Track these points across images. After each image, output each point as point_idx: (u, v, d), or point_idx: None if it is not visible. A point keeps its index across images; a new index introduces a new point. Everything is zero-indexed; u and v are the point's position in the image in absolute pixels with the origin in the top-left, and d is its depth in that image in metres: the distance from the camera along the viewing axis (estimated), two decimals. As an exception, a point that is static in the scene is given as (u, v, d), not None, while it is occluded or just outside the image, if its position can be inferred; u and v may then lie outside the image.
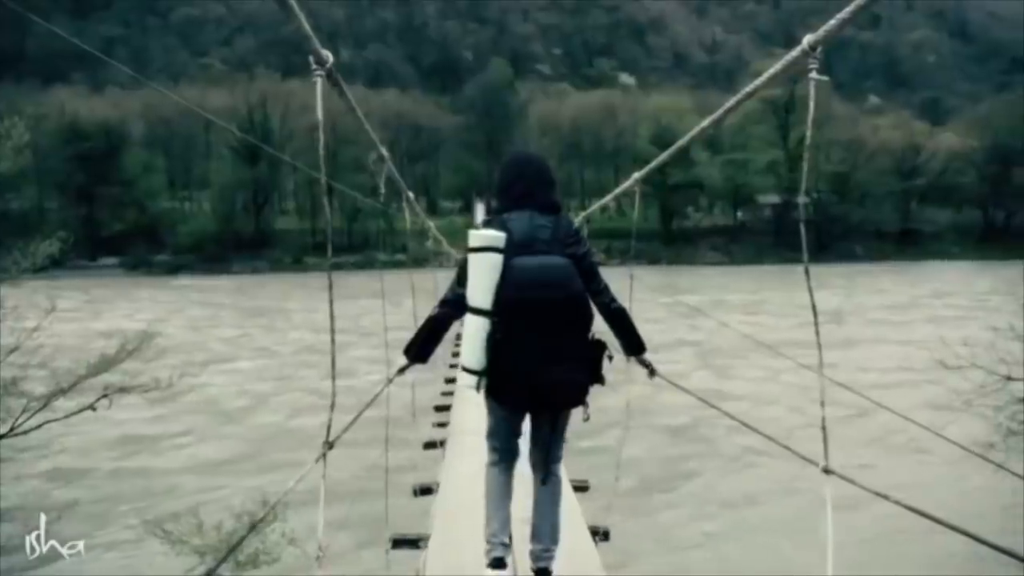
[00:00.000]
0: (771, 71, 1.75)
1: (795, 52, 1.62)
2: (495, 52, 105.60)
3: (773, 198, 67.15)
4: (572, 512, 3.66)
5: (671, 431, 14.64)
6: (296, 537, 8.63)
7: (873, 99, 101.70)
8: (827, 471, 1.54)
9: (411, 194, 4.34)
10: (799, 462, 1.78)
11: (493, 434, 2.82)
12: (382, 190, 3.40)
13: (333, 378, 1.72)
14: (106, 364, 10.28)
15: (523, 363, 2.50)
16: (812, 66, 1.57)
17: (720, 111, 2.24)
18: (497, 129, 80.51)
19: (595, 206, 6.04)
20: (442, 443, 5.17)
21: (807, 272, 1.80)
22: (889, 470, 12.18)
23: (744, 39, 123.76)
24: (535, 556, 2.76)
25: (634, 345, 2.84)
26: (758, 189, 67.49)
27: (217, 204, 63.81)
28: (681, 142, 2.92)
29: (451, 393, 6.88)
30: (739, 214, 69.64)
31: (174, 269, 57.19)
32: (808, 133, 1.77)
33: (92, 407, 10.31)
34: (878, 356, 21.62)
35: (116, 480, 12.98)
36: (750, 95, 1.97)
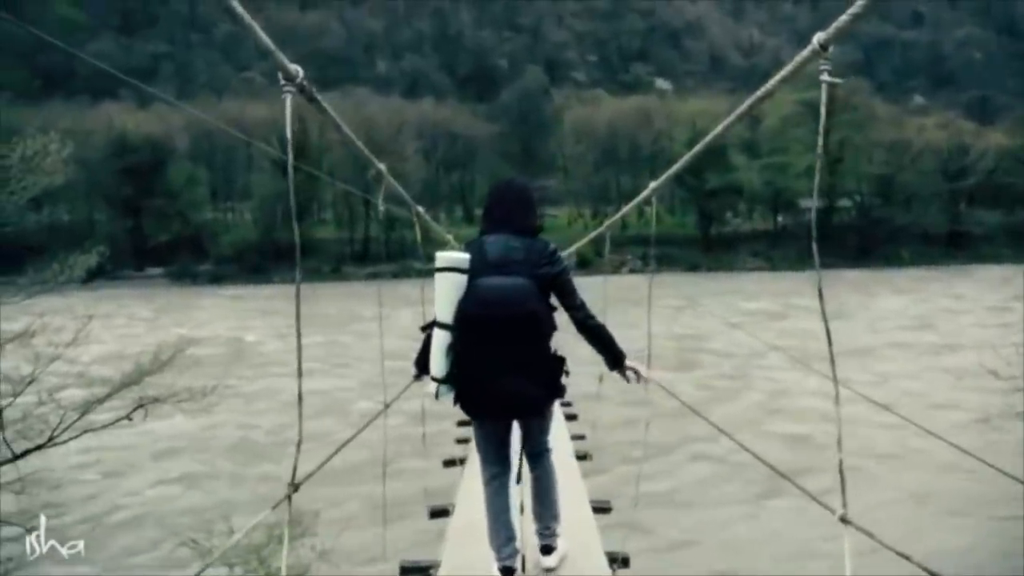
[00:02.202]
0: (780, 74, 1.60)
1: (805, 52, 1.46)
2: (530, 60, 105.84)
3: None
4: (590, 537, 3.50)
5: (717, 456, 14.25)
6: (327, 550, 8.61)
7: (918, 99, 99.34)
8: (844, 521, 1.38)
9: (420, 208, 4.26)
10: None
11: (479, 446, 3.07)
12: (381, 207, 3.35)
13: (300, 415, 1.60)
14: (139, 371, 10.40)
15: (479, 374, 2.72)
16: (824, 67, 1.41)
17: (732, 116, 2.10)
18: (532, 136, 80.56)
19: (615, 216, 5.88)
20: (462, 461, 5.04)
21: (819, 280, 1.64)
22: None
23: (782, 41, 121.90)
24: (539, 535, 3.13)
25: (613, 358, 2.95)
26: (799, 193, 66.16)
27: (258, 215, 64.91)
28: (697, 148, 2.79)
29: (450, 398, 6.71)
30: (779, 219, 68.35)
31: (217, 279, 58.26)
32: (820, 141, 1.61)
33: (128, 417, 10.46)
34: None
35: (236, 485, 13.22)
36: (761, 100, 1.81)
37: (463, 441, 5.80)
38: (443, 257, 2.75)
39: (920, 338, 26.30)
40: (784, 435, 15.19)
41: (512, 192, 3.03)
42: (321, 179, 60.74)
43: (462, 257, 2.75)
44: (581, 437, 5.75)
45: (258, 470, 14.03)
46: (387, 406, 2.78)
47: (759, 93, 1.76)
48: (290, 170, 1.65)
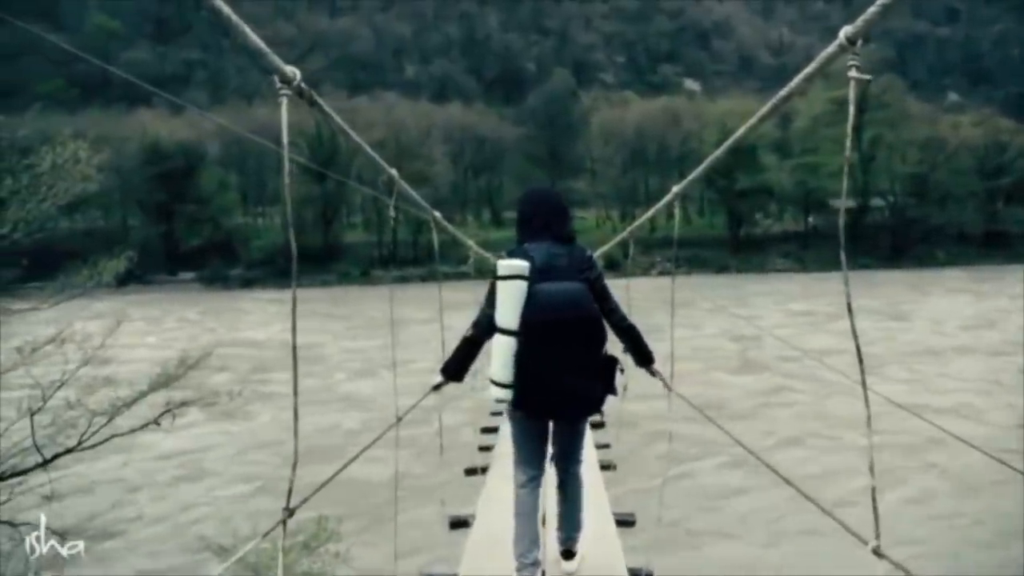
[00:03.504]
0: (805, 72, 1.50)
1: (831, 48, 1.37)
2: (558, 62, 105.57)
3: (847, 202, 64.55)
4: (613, 552, 3.41)
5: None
6: (351, 556, 8.60)
7: (952, 96, 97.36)
8: (878, 553, 1.27)
9: (437, 213, 4.20)
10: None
11: (520, 448, 3.08)
12: (392, 213, 3.31)
13: (296, 434, 1.53)
14: (168, 381, 10.49)
15: (545, 376, 2.79)
16: (852, 63, 1.31)
17: (758, 115, 1.99)
18: (560, 139, 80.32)
19: (640, 219, 5.78)
20: (484, 470, 4.96)
21: (846, 281, 1.54)
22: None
23: (813, 39, 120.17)
24: (561, 541, 3.21)
25: (643, 357, 3.17)
26: (830, 193, 65.16)
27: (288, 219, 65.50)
28: (719, 151, 2.69)
29: (500, 413, 6.59)
30: (810, 219, 67.30)
31: (248, 283, 58.89)
32: (847, 142, 1.50)
33: (156, 421, 10.55)
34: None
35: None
36: (786, 99, 1.71)
37: (486, 449, 5.71)
38: (505, 265, 2.84)
39: (983, 339, 25.69)
40: (840, 445, 14.70)
41: (548, 201, 3.10)
42: (350, 184, 61.13)
43: (523, 265, 2.83)
44: (606, 446, 5.62)
45: (330, 472, 13.96)
46: (399, 419, 2.73)
47: (783, 93, 1.66)
48: (284, 173, 1.59)
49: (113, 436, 9.63)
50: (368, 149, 2.56)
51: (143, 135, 63.42)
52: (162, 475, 14.46)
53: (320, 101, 1.75)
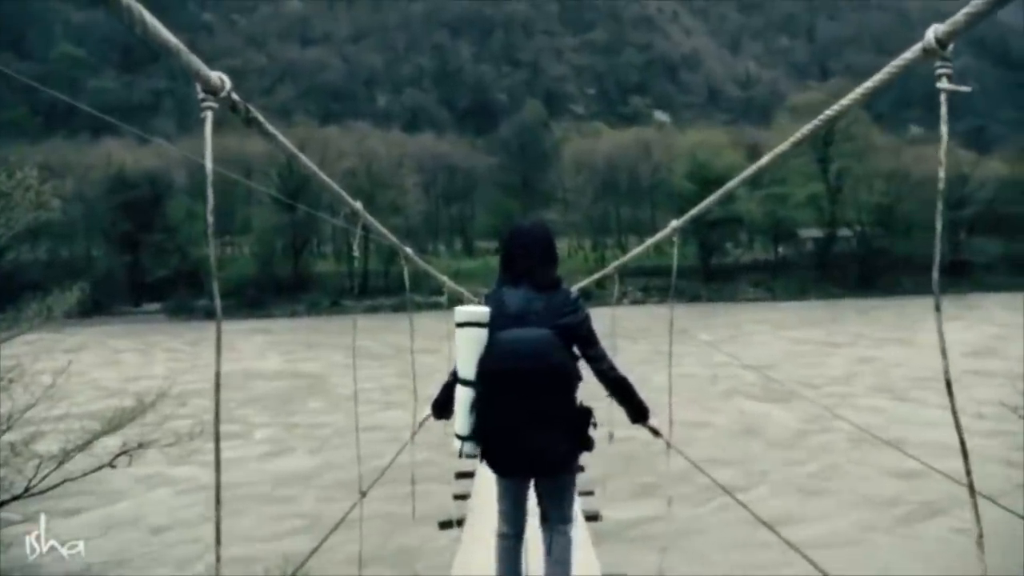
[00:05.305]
0: (878, 76, 1.21)
1: (914, 50, 1.08)
2: (529, 93, 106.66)
3: (815, 232, 65.65)
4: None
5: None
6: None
7: (915, 129, 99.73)
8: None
9: (409, 250, 3.90)
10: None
11: (500, 500, 2.92)
12: (356, 252, 3.00)
13: (218, 535, 1.17)
14: (126, 418, 9.98)
15: (506, 430, 2.62)
16: (942, 71, 1.02)
17: (794, 137, 1.71)
18: (532, 169, 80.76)
19: (629, 255, 5.53)
20: (460, 522, 4.57)
21: (938, 309, 1.23)
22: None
23: (779, 73, 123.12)
24: None
25: (636, 412, 2.87)
26: (799, 223, 66.15)
27: (257, 249, 64.57)
28: (730, 185, 2.39)
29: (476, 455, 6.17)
30: (780, 249, 68.20)
31: (214, 314, 57.64)
32: (941, 172, 1.22)
33: (112, 464, 10.01)
34: None
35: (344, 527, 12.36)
36: (833, 119, 1.42)
37: (461, 497, 5.30)
38: (463, 312, 2.70)
39: (990, 365, 25.71)
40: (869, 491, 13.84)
41: (536, 243, 2.88)
42: (320, 215, 60.46)
43: (482, 311, 2.70)
44: (590, 493, 5.22)
45: (367, 509, 13.09)
46: (363, 494, 2.39)
47: (837, 107, 1.38)
48: (208, 193, 1.26)
49: (65, 480, 9.10)
50: (325, 177, 2.24)
51: (108, 164, 62.36)
52: (189, 510, 13.39)
53: (260, 118, 1.42)
